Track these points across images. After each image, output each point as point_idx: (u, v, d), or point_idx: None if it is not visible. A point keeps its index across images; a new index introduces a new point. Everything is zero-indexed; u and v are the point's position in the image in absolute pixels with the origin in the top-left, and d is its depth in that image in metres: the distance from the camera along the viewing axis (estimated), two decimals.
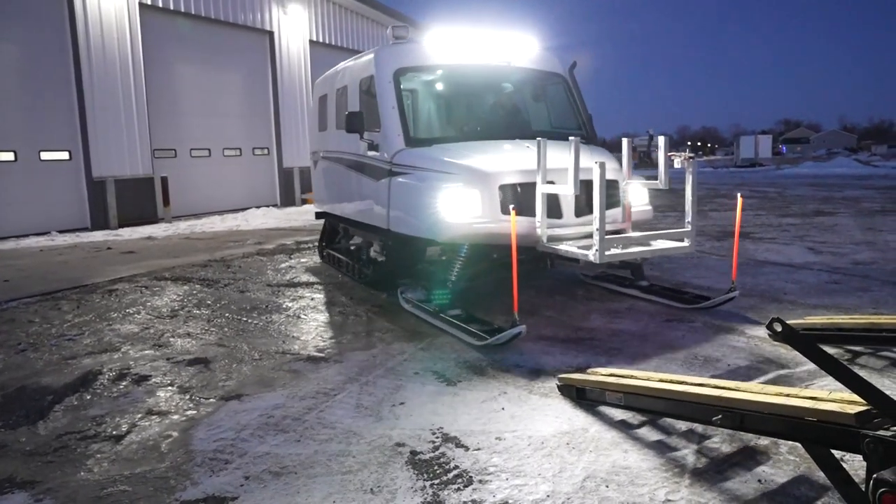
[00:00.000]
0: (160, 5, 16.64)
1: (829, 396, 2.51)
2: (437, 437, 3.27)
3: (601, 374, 3.64)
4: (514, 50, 6.73)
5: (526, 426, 3.37)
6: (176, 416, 3.73)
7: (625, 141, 5.56)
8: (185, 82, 17.71)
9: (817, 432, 2.41)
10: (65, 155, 14.71)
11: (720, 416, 2.78)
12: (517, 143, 5.90)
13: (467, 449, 3.13)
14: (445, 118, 7.16)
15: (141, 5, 16.08)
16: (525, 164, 5.29)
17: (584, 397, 3.61)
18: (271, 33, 20.04)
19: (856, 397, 2.34)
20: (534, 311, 5.75)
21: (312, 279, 7.77)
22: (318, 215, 9.08)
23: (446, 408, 3.65)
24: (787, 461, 2.92)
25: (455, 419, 3.48)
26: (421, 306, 5.62)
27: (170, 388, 4.21)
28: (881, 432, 2.18)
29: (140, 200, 15.79)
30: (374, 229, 6.55)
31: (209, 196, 18.13)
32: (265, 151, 20.31)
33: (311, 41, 21.53)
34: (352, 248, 8.00)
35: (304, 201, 20.76)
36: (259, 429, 3.48)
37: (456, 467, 2.95)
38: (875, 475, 2.05)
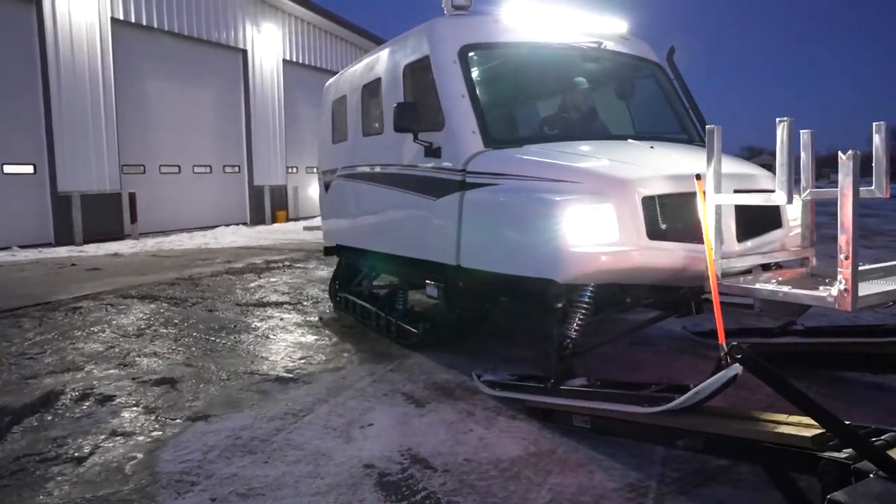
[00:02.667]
0: (133, 20, 16.58)
1: (788, 420, 2.60)
2: (406, 459, 3.28)
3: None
4: (604, 29, 5.28)
5: (495, 448, 3.40)
6: (141, 438, 3.68)
7: (801, 134, 3.50)
8: (157, 98, 17.59)
9: (775, 455, 2.49)
10: (29, 168, 14.46)
11: (683, 440, 2.85)
12: (633, 144, 4.60)
13: (436, 470, 3.15)
14: (530, 112, 5.52)
15: (113, 20, 16.00)
16: (671, 167, 3.89)
17: (551, 420, 3.66)
18: (245, 51, 20.07)
19: (813, 420, 2.43)
20: (502, 332, 5.80)
21: (282, 299, 7.73)
22: (329, 251, 7.38)
23: (415, 429, 3.66)
24: (747, 482, 2.99)
25: (423, 441, 3.50)
26: (525, 386, 3.97)
27: (135, 408, 4.15)
28: (835, 455, 2.27)
29: (106, 216, 15.55)
30: (427, 267, 4.94)
31: (178, 213, 17.94)
32: (236, 169, 20.20)
33: (284, 60, 21.62)
34: (377, 293, 6.37)
35: (275, 219, 20.66)
36: (226, 450, 3.45)
37: (424, 489, 2.97)
38: (829, 496, 2.12)
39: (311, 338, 5.86)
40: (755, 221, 3.94)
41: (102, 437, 3.71)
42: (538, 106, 5.56)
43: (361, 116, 6.12)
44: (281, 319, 6.61)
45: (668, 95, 5.42)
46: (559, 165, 3.99)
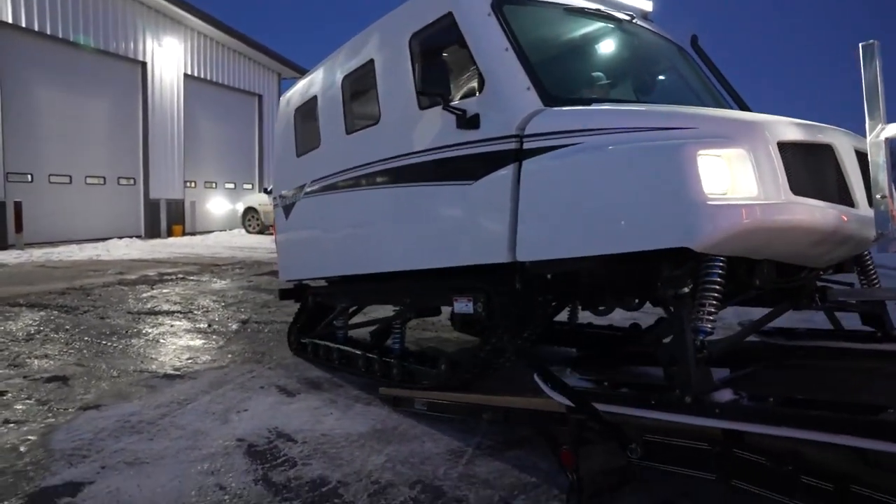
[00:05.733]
0: (24, 25, 16.25)
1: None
2: (272, 434, 3.96)
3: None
4: (630, 3, 4.84)
5: (348, 426, 4.13)
6: (35, 424, 4.13)
7: None
8: (49, 106, 17.25)
9: (544, 419, 3.40)
10: None
11: (489, 413, 3.73)
12: (710, 109, 4.09)
13: (296, 442, 3.84)
14: (578, 75, 4.62)
15: (1, 23, 15.66)
16: (785, 118, 3.23)
17: (399, 405, 4.44)
18: (144, 63, 19.96)
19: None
20: None
21: (174, 308, 8.13)
22: (287, 294, 6.16)
23: (283, 413, 4.34)
24: (540, 448, 3.86)
25: (289, 422, 4.18)
26: (633, 397, 2.95)
27: (27, 401, 4.56)
28: (577, 415, 3.19)
29: None
30: (453, 277, 4.16)
31: (68, 224, 17.56)
32: (131, 181, 19.95)
33: (186, 74, 21.60)
34: (349, 335, 5.56)
35: (170, 233, 20.52)
36: (116, 431, 3.99)
37: (285, 455, 3.66)
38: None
39: (199, 342, 6.38)
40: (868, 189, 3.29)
41: None
42: (582, 71, 4.69)
43: (344, 112, 5.23)
44: (171, 326, 7.06)
45: (699, 76, 5.01)
46: (663, 112, 3.31)
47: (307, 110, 5.86)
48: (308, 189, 5.71)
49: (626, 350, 4.74)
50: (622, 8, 4.70)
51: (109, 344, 6.20)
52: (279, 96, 27.87)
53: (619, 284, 3.59)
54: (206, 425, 4.10)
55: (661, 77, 5.01)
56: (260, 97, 25.90)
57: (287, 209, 6.13)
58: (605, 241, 3.07)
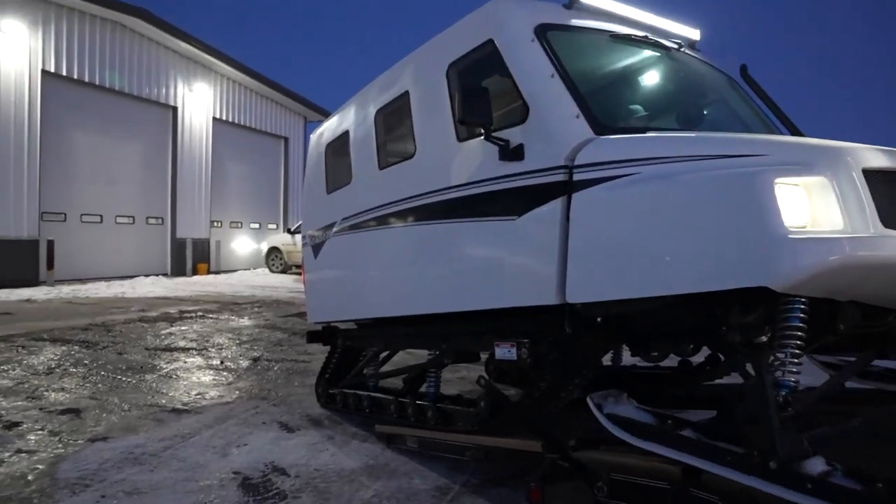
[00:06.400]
0: (64, 73, 17.11)
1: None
2: (268, 468, 4.10)
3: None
4: (678, 33, 4.65)
5: (342, 462, 4.26)
6: (44, 454, 4.33)
7: None
8: (85, 149, 18.02)
9: (523, 458, 3.52)
10: None
11: (471, 451, 3.86)
12: (767, 135, 3.95)
13: (289, 476, 3.98)
14: (628, 104, 4.39)
15: (44, 72, 16.51)
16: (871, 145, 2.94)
17: (393, 442, 4.57)
18: (175, 108, 20.78)
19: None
20: None
21: (190, 345, 8.38)
22: (315, 336, 5.84)
23: (281, 448, 4.49)
24: (522, 485, 3.94)
25: (286, 456, 4.32)
26: (704, 447, 2.70)
27: (40, 432, 4.78)
28: (551, 455, 3.30)
29: (19, 263, 15.66)
30: (494, 322, 3.86)
31: (97, 262, 18.13)
32: (159, 221, 20.57)
33: (214, 118, 22.40)
34: (375, 381, 5.20)
35: (195, 271, 21.01)
36: (119, 462, 4.17)
37: (277, 488, 3.79)
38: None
39: (209, 378, 6.59)
40: None
41: (8, 454, 4.33)
42: (631, 99, 4.47)
43: (377, 147, 5.04)
44: (185, 362, 7.29)
45: (751, 106, 4.80)
46: (728, 138, 3.10)
47: (339, 146, 5.67)
48: (338, 227, 5.48)
49: (675, 392, 4.37)
50: (669, 36, 4.52)
51: (124, 379, 6.44)
52: (305, 139, 28.44)
53: (677, 327, 3.26)
54: (206, 458, 4.26)
55: (711, 106, 4.75)
56: (286, 140, 26.67)
57: (316, 248, 5.91)
58: (667, 281, 2.75)
